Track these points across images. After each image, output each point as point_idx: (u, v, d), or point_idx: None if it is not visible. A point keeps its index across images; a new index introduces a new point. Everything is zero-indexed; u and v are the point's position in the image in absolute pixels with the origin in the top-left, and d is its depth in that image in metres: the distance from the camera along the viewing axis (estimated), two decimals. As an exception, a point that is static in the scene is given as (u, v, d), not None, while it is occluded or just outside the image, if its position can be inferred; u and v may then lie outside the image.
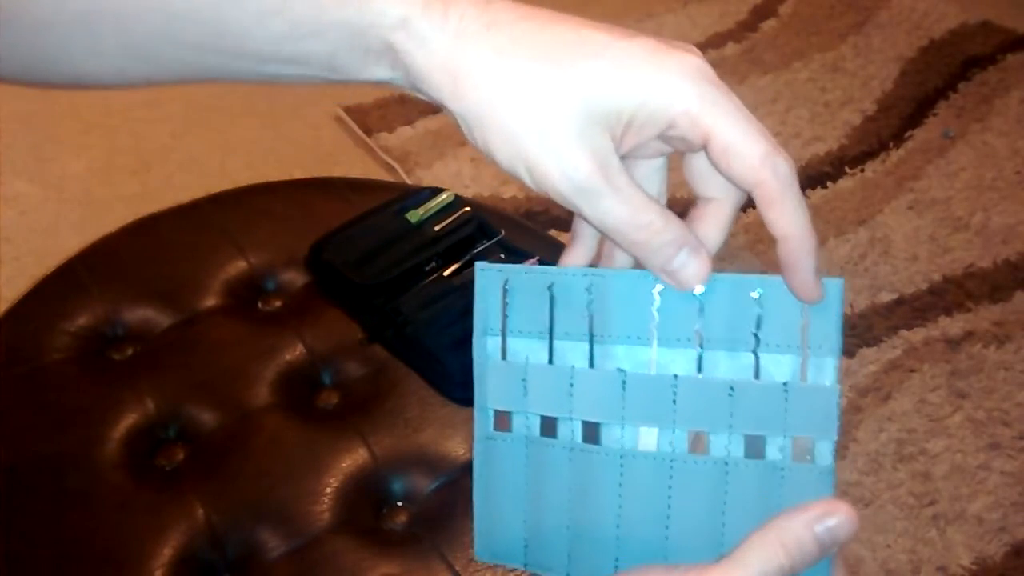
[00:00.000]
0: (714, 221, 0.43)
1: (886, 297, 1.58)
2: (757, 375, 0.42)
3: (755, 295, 0.42)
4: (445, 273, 0.88)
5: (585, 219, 0.41)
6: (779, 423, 0.41)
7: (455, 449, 0.78)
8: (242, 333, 0.87)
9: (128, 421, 0.80)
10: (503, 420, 0.46)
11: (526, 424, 0.45)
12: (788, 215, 0.40)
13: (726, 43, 2.21)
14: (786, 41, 2.22)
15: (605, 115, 0.39)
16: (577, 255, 0.46)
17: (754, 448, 0.42)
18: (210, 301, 0.90)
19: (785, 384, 0.41)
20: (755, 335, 0.42)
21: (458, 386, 0.81)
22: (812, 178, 1.80)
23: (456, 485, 0.76)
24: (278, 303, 0.91)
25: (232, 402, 0.81)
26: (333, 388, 0.84)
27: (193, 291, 0.91)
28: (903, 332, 1.51)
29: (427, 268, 0.89)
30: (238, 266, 0.93)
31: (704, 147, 0.40)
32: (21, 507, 0.74)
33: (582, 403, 0.44)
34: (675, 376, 0.43)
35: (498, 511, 0.46)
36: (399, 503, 0.76)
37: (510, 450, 0.46)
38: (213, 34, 0.39)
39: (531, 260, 0.87)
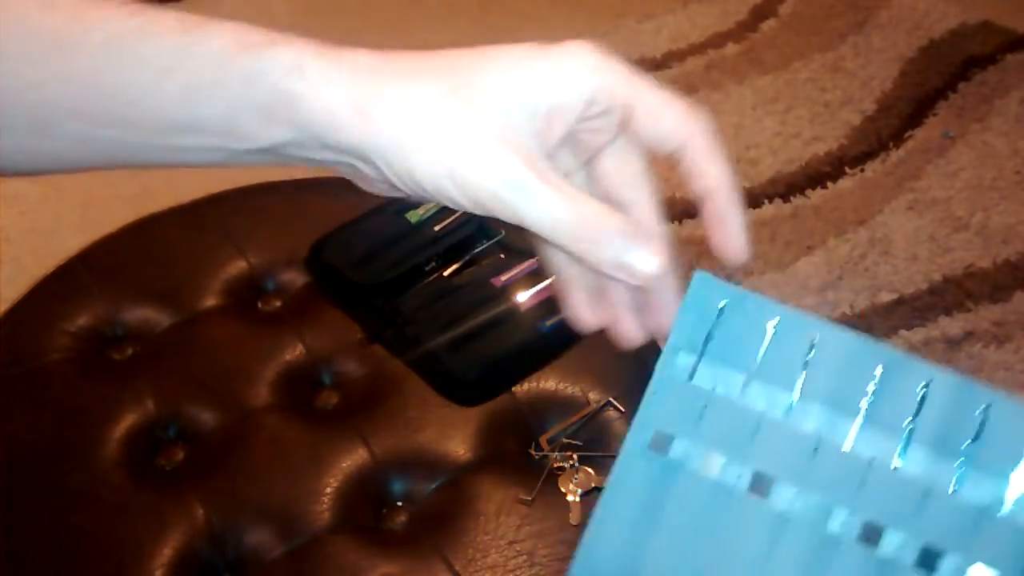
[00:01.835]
0: (645, 210, 0.43)
1: (886, 297, 1.58)
2: (956, 488, 0.40)
3: (981, 408, 0.40)
4: (445, 273, 0.88)
5: (524, 224, 0.39)
6: (965, 544, 0.39)
7: (455, 449, 0.78)
8: (242, 333, 0.87)
9: (128, 421, 0.80)
10: (662, 441, 0.43)
11: (686, 453, 0.42)
12: (719, 166, 0.40)
13: (726, 43, 2.21)
14: (786, 41, 2.22)
15: (523, 110, 0.39)
16: (579, 298, 0.45)
17: (928, 560, 0.40)
18: (210, 301, 0.90)
19: (986, 508, 0.39)
20: (968, 447, 0.40)
21: (458, 386, 0.81)
22: (812, 178, 1.80)
23: (456, 485, 0.76)
24: (278, 303, 0.91)
25: (232, 402, 0.81)
26: (333, 388, 0.84)
27: (193, 291, 0.91)
28: (903, 332, 1.51)
29: (427, 268, 0.89)
30: (238, 266, 0.93)
31: (624, 116, 0.40)
32: (21, 507, 0.74)
33: (763, 453, 0.41)
34: (871, 460, 0.40)
35: (615, 536, 0.43)
36: (399, 503, 0.76)
37: (656, 475, 0.42)
38: (111, 102, 0.38)
39: (531, 260, 0.87)
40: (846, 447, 0.41)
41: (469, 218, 0.92)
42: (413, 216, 0.93)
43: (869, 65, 2.13)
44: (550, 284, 0.85)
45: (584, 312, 0.46)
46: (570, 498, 0.74)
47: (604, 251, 0.39)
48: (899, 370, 0.41)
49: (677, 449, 0.42)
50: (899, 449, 0.40)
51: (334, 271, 0.89)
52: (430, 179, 0.39)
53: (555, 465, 0.76)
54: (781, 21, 2.28)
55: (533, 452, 0.77)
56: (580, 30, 2.25)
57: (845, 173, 1.82)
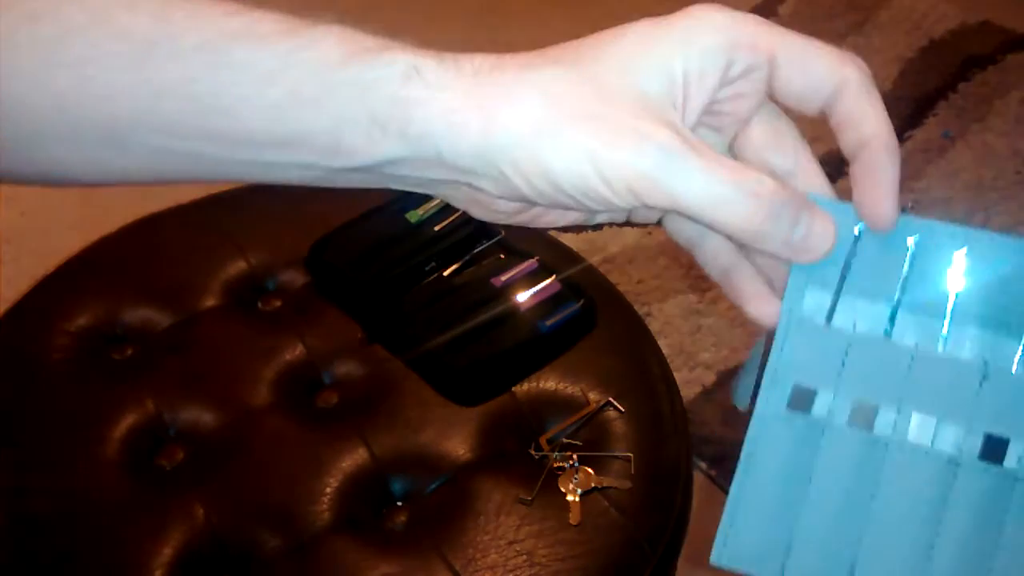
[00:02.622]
0: (810, 178, 0.39)
1: (886, 297, 1.58)
2: None
3: None
4: (445, 273, 0.88)
5: (680, 206, 0.34)
6: None
7: (455, 449, 0.78)
8: (242, 333, 0.87)
9: (128, 421, 0.80)
10: (802, 398, 0.37)
11: (830, 407, 0.37)
12: (878, 111, 0.36)
13: (726, 43, 2.21)
14: (786, 41, 2.22)
15: (658, 80, 0.35)
16: (755, 290, 0.40)
17: None
18: (210, 301, 0.90)
19: None
20: None
21: (458, 386, 0.81)
22: (812, 178, 1.80)
23: (456, 485, 0.76)
24: (278, 303, 0.91)
25: (232, 402, 0.81)
26: (333, 388, 0.84)
27: (193, 291, 0.91)
28: (903, 332, 1.51)
29: (427, 268, 0.89)
30: (238, 266, 0.93)
31: (770, 70, 0.36)
32: (21, 507, 0.74)
33: (920, 393, 0.36)
34: None
35: (760, 508, 0.37)
36: (399, 503, 0.76)
37: (799, 436, 0.37)
38: (202, 112, 0.34)
39: (531, 260, 0.87)
40: (1017, 371, 0.36)
41: (469, 218, 0.92)
42: (413, 216, 0.93)
43: (869, 65, 2.12)
44: (550, 284, 0.85)
45: (767, 307, 0.40)
46: (570, 498, 0.74)
47: (776, 227, 0.35)
48: None
49: (821, 404, 0.37)
50: None
51: (334, 271, 0.89)
52: (568, 171, 0.34)
53: (555, 465, 0.76)
54: (781, 21, 2.28)
55: (533, 452, 0.77)
56: (580, 30, 2.24)
57: (845, 173, 1.82)
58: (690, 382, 1.40)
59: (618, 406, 0.80)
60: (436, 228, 0.91)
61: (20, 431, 0.80)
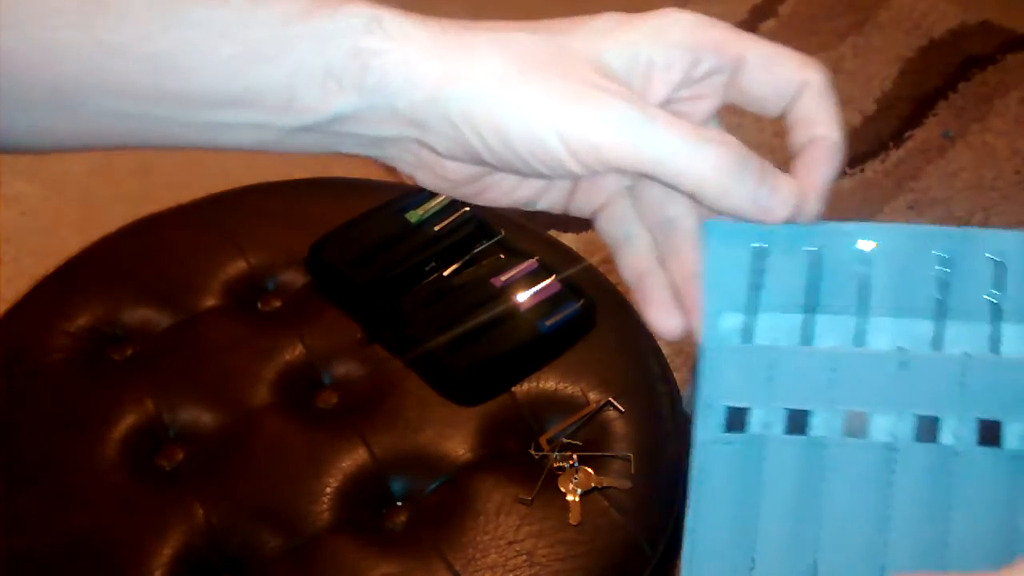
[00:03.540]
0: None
1: (886, 297, 1.58)
2: None
3: None
4: (445, 273, 0.88)
5: (647, 170, 0.34)
6: None
7: (455, 449, 0.78)
8: (242, 333, 0.87)
9: (128, 421, 0.80)
10: (737, 419, 0.38)
11: (766, 422, 0.38)
12: (832, 116, 0.38)
13: (726, 43, 2.21)
14: (786, 41, 2.20)
15: (624, 62, 0.35)
16: (661, 300, 0.40)
17: None
18: (210, 301, 0.90)
19: None
20: None
21: (458, 386, 0.81)
22: (812, 178, 1.80)
23: (456, 485, 0.76)
24: (278, 303, 0.91)
25: (232, 402, 0.81)
26: (333, 388, 0.84)
27: (193, 291, 0.91)
28: (903, 332, 1.51)
29: (427, 268, 0.89)
30: (238, 266, 0.93)
31: (734, 73, 0.37)
32: (21, 507, 0.74)
33: (847, 390, 0.37)
34: (967, 355, 0.36)
35: (718, 530, 0.38)
36: (399, 503, 0.76)
37: (741, 455, 0.38)
38: (155, 72, 0.34)
39: (531, 260, 0.87)
40: (933, 351, 0.37)
41: (469, 218, 0.92)
42: (413, 216, 0.93)
43: (869, 65, 2.13)
44: (550, 284, 0.85)
45: (668, 318, 0.41)
46: (570, 498, 0.74)
47: (743, 184, 0.35)
48: (963, 247, 0.36)
49: (756, 420, 0.38)
50: (991, 332, 0.36)
51: (334, 271, 0.89)
52: (524, 129, 0.34)
53: (555, 465, 0.76)
54: (781, 21, 2.28)
55: (533, 452, 0.77)
56: (580, 30, 2.24)
57: (845, 173, 1.82)
58: (690, 382, 1.40)
59: (618, 406, 0.80)
60: (436, 228, 0.91)
61: (20, 431, 0.80)
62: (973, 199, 1.77)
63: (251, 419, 0.80)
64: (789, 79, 0.37)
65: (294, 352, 0.85)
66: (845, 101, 2.01)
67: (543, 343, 0.83)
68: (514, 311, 0.84)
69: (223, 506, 0.74)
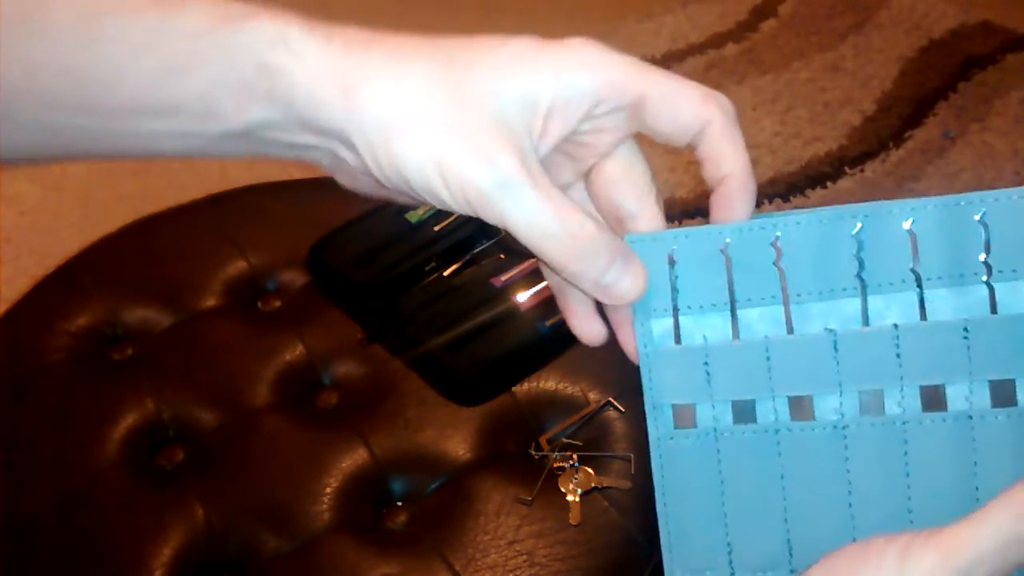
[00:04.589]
0: (649, 221, 0.41)
1: (886, 297, 1.57)
2: (994, 309, 0.36)
3: (977, 217, 0.36)
4: (445, 273, 0.88)
5: (506, 226, 0.37)
6: None
7: (455, 449, 0.78)
8: (242, 333, 0.87)
9: (128, 421, 0.80)
10: (685, 415, 0.40)
11: (713, 415, 0.40)
12: (739, 149, 0.39)
13: (726, 43, 2.21)
14: (786, 41, 2.22)
15: (520, 103, 0.36)
16: (580, 310, 0.43)
17: (1002, 394, 0.36)
18: (210, 301, 0.90)
19: None
20: (985, 263, 0.36)
21: (458, 386, 0.81)
22: (812, 178, 1.80)
23: (456, 485, 0.76)
24: (278, 303, 0.91)
25: (232, 402, 0.81)
26: (333, 388, 0.84)
27: (193, 291, 0.91)
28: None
29: (427, 268, 0.89)
30: (238, 266, 0.93)
31: (635, 112, 0.38)
32: (21, 507, 0.74)
33: (785, 377, 0.38)
34: (895, 326, 0.37)
35: (691, 520, 0.40)
36: (399, 503, 0.76)
37: (696, 448, 0.40)
38: (79, 85, 0.35)
39: (531, 260, 0.87)
40: (863, 327, 0.38)
41: (469, 218, 0.92)
42: (413, 216, 0.93)
43: (869, 65, 2.13)
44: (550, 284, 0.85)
45: (586, 323, 0.43)
46: (570, 498, 0.74)
47: (587, 269, 0.38)
48: (874, 222, 0.37)
49: (704, 415, 0.40)
50: (916, 300, 0.37)
51: (334, 271, 0.89)
52: (416, 169, 0.36)
53: (555, 465, 0.76)
54: (781, 21, 2.28)
55: (533, 452, 0.77)
56: (580, 30, 2.25)
57: (845, 173, 1.82)
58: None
59: (618, 406, 0.80)
60: (436, 228, 0.92)
61: (20, 431, 0.80)
62: (973, 199, 1.77)
63: (251, 419, 0.80)
64: (691, 116, 0.38)
65: (294, 352, 0.85)
66: (845, 101, 2.02)
67: (543, 343, 0.83)
68: (514, 311, 0.84)
69: (223, 506, 0.74)
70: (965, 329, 0.36)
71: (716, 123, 0.38)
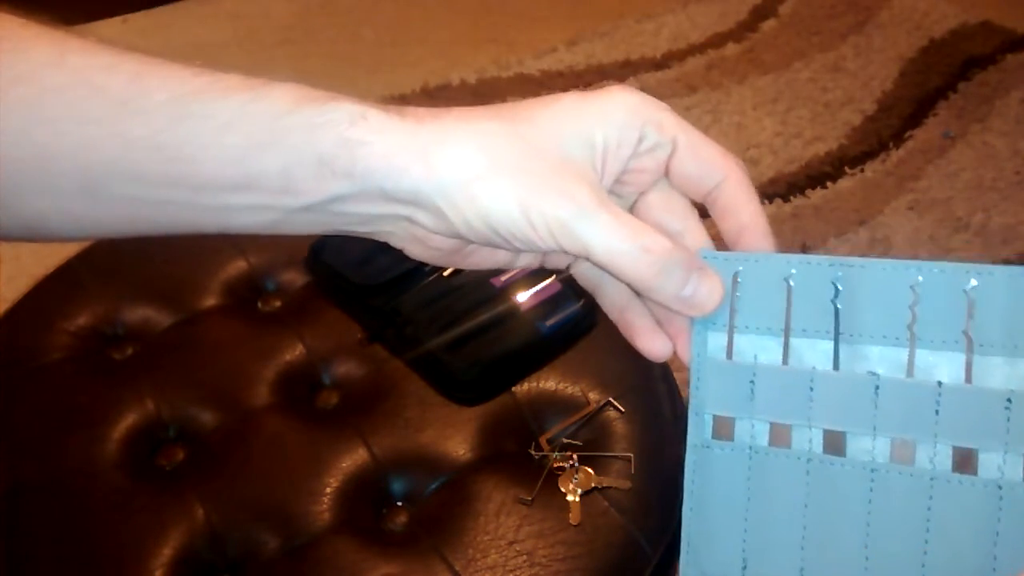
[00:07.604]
0: (696, 237, 0.44)
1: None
2: None
3: None
4: (445, 273, 0.88)
5: (590, 254, 0.39)
6: None
7: (455, 449, 0.78)
8: (242, 333, 0.87)
9: (128, 421, 0.80)
10: (724, 427, 0.42)
11: (751, 432, 0.41)
12: (756, 202, 0.42)
13: (726, 43, 2.21)
14: (786, 41, 2.22)
15: (581, 147, 0.40)
16: (646, 327, 0.45)
17: None
18: (210, 301, 0.90)
19: None
20: None
21: (458, 386, 0.81)
22: (812, 178, 1.80)
23: (456, 485, 0.76)
24: (278, 303, 0.91)
25: (232, 402, 0.81)
26: (333, 388, 0.84)
27: (193, 291, 0.91)
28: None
29: (427, 268, 0.89)
30: (238, 266, 0.93)
31: (672, 151, 0.42)
32: (21, 507, 0.74)
33: (824, 409, 0.40)
34: (939, 383, 0.38)
35: (712, 526, 0.42)
36: (399, 503, 0.76)
37: (729, 460, 0.42)
38: (167, 160, 0.38)
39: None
40: (908, 377, 0.38)
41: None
42: (413, 216, 0.92)
43: (869, 65, 2.13)
44: (550, 284, 0.85)
45: (652, 339, 0.45)
46: (570, 498, 0.74)
47: (666, 283, 0.40)
48: (937, 279, 0.38)
49: (742, 430, 0.41)
50: (964, 362, 0.37)
51: (334, 271, 0.89)
52: (501, 213, 0.38)
53: (555, 465, 0.76)
54: (781, 21, 2.28)
55: (533, 452, 0.77)
56: (580, 30, 2.25)
57: (845, 173, 1.82)
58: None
59: (618, 406, 0.80)
60: (436, 228, 0.91)
61: (20, 431, 0.80)
62: (973, 199, 1.77)
63: (251, 419, 0.80)
64: (714, 166, 0.42)
65: (294, 352, 0.85)
66: (845, 101, 2.02)
67: (543, 343, 0.83)
68: (514, 311, 0.84)
69: (223, 506, 0.74)
70: (1008, 400, 0.37)
71: (735, 176, 0.42)
